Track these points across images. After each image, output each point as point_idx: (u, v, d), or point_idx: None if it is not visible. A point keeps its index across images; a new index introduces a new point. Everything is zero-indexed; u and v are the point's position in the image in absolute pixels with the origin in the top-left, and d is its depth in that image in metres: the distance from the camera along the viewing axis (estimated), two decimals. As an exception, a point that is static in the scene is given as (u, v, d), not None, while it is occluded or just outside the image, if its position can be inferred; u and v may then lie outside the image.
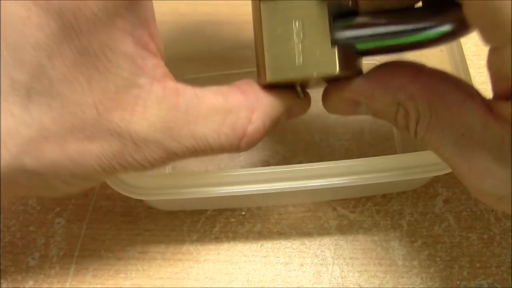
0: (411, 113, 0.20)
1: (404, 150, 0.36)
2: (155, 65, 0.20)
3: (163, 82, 0.21)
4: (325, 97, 0.25)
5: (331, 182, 0.28)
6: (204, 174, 0.29)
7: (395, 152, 0.36)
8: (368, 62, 0.29)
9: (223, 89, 0.23)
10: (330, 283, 0.32)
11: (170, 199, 0.29)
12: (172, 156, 0.21)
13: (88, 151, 0.19)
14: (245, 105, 0.22)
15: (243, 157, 0.36)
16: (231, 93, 0.22)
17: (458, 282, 0.32)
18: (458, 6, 0.18)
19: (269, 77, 0.22)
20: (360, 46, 0.22)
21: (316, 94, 0.38)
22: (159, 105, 0.20)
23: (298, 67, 0.22)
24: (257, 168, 0.32)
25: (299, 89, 0.25)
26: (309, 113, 0.37)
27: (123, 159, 0.20)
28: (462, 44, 0.40)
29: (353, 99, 0.23)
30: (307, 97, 0.26)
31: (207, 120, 0.21)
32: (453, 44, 0.31)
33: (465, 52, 0.39)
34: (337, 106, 0.24)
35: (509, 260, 0.32)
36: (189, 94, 0.21)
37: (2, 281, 0.32)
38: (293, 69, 0.22)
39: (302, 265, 0.33)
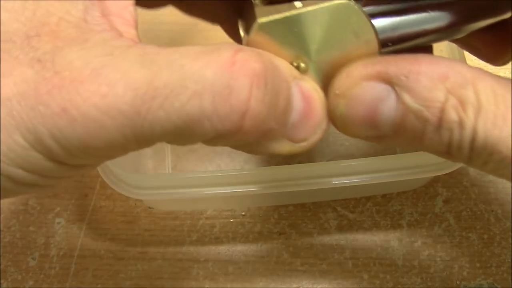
0: (469, 100, 0.15)
1: (404, 150, 0.35)
2: (120, 23, 0.16)
3: (119, 34, 0.16)
4: (341, 79, 0.17)
5: (331, 182, 0.28)
6: (204, 174, 0.29)
7: (395, 152, 0.36)
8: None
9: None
10: (330, 283, 0.32)
11: (170, 199, 0.29)
12: (117, 100, 0.14)
13: None
14: (226, 44, 0.16)
15: (243, 157, 0.36)
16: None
17: (458, 282, 0.32)
18: None
19: (262, 19, 0.16)
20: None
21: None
22: (105, 43, 0.15)
23: (298, 7, 0.17)
24: (257, 168, 0.32)
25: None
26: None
27: (37, 101, 0.14)
28: (462, 44, 0.40)
29: (385, 77, 0.16)
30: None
31: (173, 57, 0.15)
32: (452, 45, 0.31)
33: (465, 53, 0.39)
34: (356, 95, 0.17)
35: (509, 260, 0.32)
36: (150, 46, 0.16)
37: (2, 281, 0.32)
38: (292, 7, 0.16)
39: (302, 265, 0.33)
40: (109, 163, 0.28)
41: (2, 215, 0.34)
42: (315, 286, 0.32)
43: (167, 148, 0.36)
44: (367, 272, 0.32)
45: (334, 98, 0.17)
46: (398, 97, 0.16)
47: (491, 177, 0.35)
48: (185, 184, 0.28)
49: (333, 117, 0.18)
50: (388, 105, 0.16)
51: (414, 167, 0.28)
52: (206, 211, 0.34)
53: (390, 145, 0.18)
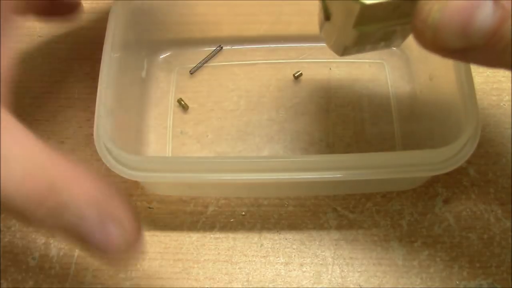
0: None
1: (405, 148, 0.36)
2: None
3: None
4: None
5: (327, 176, 0.28)
6: (201, 159, 0.29)
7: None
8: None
9: None
10: (330, 283, 0.32)
11: (165, 182, 0.29)
12: None
13: None
14: None
15: (242, 146, 0.36)
16: None
17: (458, 282, 0.32)
18: None
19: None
20: None
21: (318, 93, 0.38)
22: None
23: None
24: (254, 157, 0.32)
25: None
26: (310, 112, 0.37)
27: None
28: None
29: None
30: None
31: None
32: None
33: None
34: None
35: (509, 260, 0.32)
36: None
37: (2, 281, 0.32)
38: None
39: (302, 265, 0.33)
40: (109, 143, 0.28)
41: (2, 215, 0.34)
42: (315, 286, 0.32)
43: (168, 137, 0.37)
44: (367, 272, 0.32)
45: (427, 4, 0.17)
46: (497, 2, 0.16)
47: (491, 177, 0.35)
48: (181, 168, 0.28)
49: (423, 28, 0.18)
50: (485, 10, 0.16)
51: (412, 165, 0.28)
52: (206, 211, 0.34)
53: (473, 62, 0.17)
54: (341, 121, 0.37)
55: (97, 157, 0.29)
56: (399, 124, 0.36)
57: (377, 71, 0.38)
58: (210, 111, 0.37)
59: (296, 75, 0.38)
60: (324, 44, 0.26)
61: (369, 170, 0.28)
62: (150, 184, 0.34)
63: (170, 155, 0.36)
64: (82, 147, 0.36)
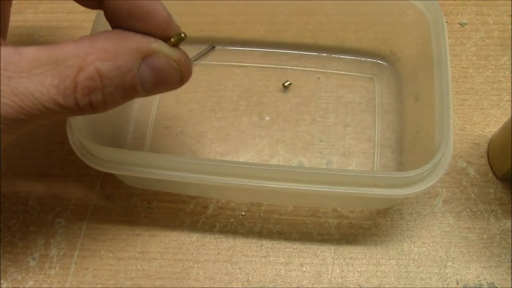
0: None
1: (412, 149, 0.35)
2: None
3: None
4: None
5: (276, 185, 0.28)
6: (173, 158, 0.28)
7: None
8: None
9: (54, 44, 0.21)
10: (330, 283, 0.32)
11: (133, 176, 0.29)
12: None
13: None
14: (74, 52, 0.20)
15: (243, 158, 0.36)
16: (59, 45, 0.21)
17: (458, 282, 0.32)
18: None
19: None
20: None
21: (314, 93, 0.38)
22: None
23: None
24: (212, 160, 0.32)
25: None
26: (310, 112, 0.37)
27: None
28: (462, 44, 0.40)
29: None
30: (183, 59, 0.23)
31: (30, 74, 0.20)
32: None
33: (465, 52, 0.40)
34: None
35: (509, 260, 0.32)
36: (8, 50, 0.20)
37: (2, 281, 0.32)
38: None
39: (302, 265, 0.33)
40: (82, 137, 0.28)
41: (2, 215, 0.34)
42: (315, 286, 0.32)
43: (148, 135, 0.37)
44: (367, 272, 0.32)
45: None
46: None
47: (491, 177, 0.35)
48: (150, 164, 0.28)
49: None
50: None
51: (367, 185, 0.27)
52: (206, 211, 0.34)
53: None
54: (342, 121, 0.37)
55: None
56: (380, 141, 0.36)
57: (367, 86, 0.38)
58: (210, 111, 0.38)
59: (285, 84, 0.38)
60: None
61: (322, 186, 0.28)
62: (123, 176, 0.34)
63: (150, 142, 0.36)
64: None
